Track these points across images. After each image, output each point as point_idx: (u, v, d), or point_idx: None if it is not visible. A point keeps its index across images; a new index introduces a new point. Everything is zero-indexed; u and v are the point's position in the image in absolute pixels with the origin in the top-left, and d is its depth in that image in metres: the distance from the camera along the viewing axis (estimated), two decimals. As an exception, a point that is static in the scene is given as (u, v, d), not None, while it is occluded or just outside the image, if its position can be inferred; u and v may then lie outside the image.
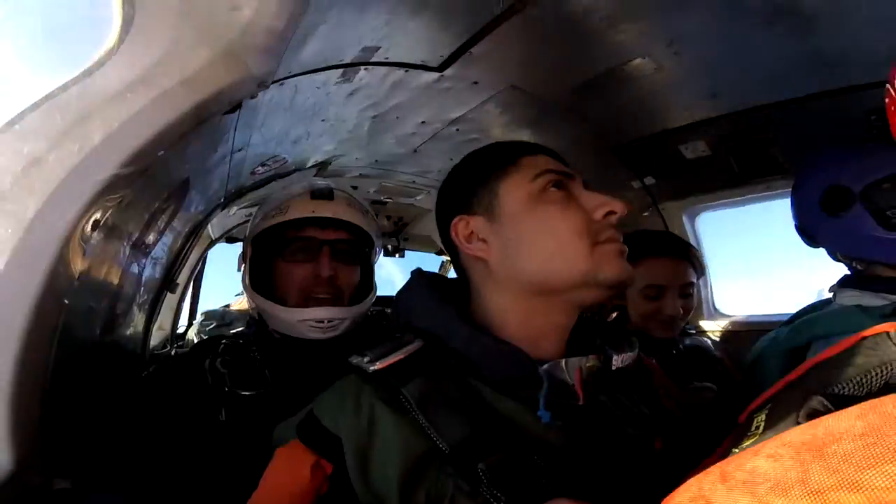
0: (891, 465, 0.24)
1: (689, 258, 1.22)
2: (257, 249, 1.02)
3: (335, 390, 0.58)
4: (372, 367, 0.54)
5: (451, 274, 2.56)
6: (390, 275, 2.43)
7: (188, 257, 1.50)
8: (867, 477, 0.24)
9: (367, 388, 0.54)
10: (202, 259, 1.76)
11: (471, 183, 0.63)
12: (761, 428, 0.45)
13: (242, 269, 1.06)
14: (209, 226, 1.63)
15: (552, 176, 0.60)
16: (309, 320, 0.91)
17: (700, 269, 1.27)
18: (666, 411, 0.95)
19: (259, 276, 1.01)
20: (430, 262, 2.66)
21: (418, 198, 1.96)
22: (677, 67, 1.08)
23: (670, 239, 1.38)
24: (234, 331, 1.86)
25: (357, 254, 1.02)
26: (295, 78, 0.86)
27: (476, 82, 1.13)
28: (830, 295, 0.97)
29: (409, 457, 0.49)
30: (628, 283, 0.58)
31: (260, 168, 1.27)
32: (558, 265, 0.57)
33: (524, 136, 1.44)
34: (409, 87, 1.09)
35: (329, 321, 0.92)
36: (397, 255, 2.46)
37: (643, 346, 0.70)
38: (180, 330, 1.94)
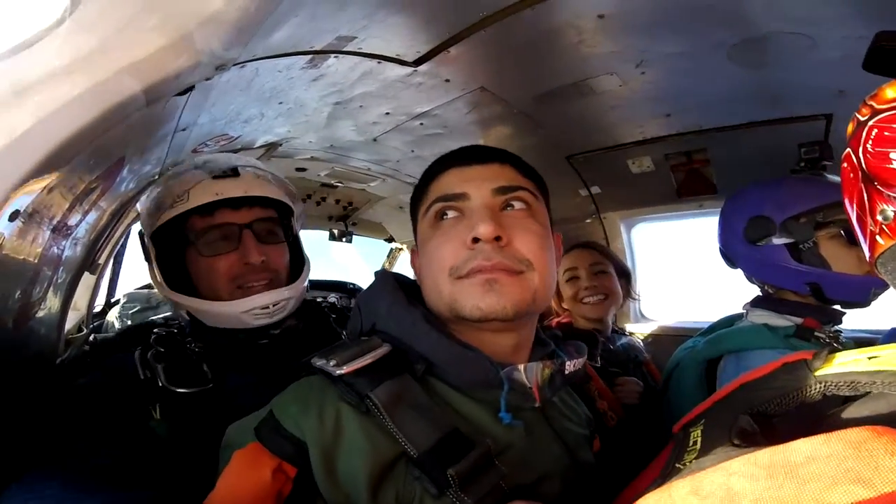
0: (850, 485, 0.28)
1: (595, 248, 1.49)
2: (162, 246, 0.90)
3: (297, 393, 0.56)
4: (338, 371, 0.53)
5: (401, 260, 2.53)
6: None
7: (113, 237, 1.33)
8: (830, 495, 0.28)
9: (331, 391, 0.54)
10: (124, 235, 1.56)
11: (413, 208, 0.68)
12: (699, 443, 0.47)
13: (149, 270, 0.93)
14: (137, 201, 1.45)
15: (438, 206, 0.61)
16: (253, 309, 0.83)
17: (612, 260, 1.47)
18: (599, 413, 1.05)
19: (173, 272, 0.89)
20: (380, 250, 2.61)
21: (372, 184, 1.90)
22: (640, 86, 1.14)
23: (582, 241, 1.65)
24: (162, 315, 1.68)
25: (279, 228, 0.92)
26: (258, 61, 0.78)
27: (448, 80, 1.10)
28: (744, 312, 1.09)
29: (378, 460, 0.49)
30: (492, 317, 0.55)
31: (203, 147, 1.15)
32: (434, 300, 0.61)
33: (486, 135, 1.44)
34: (378, 78, 1.04)
35: (275, 304, 0.84)
36: (344, 240, 2.38)
37: (585, 342, 0.75)
38: (97, 310, 1.72)
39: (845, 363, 0.46)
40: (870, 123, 0.44)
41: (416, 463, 0.49)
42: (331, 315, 1.01)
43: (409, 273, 0.73)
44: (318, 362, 0.55)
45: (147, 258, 0.92)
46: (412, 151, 1.56)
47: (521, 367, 0.58)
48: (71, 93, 0.48)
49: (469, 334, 0.59)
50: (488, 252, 0.56)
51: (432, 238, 0.60)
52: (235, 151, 1.30)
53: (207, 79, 0.75)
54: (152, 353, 0.80)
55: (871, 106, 0.45)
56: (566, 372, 0.63)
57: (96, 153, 0.72)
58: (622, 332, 1.57)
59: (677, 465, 0.46)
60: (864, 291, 0.94)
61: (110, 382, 0.77)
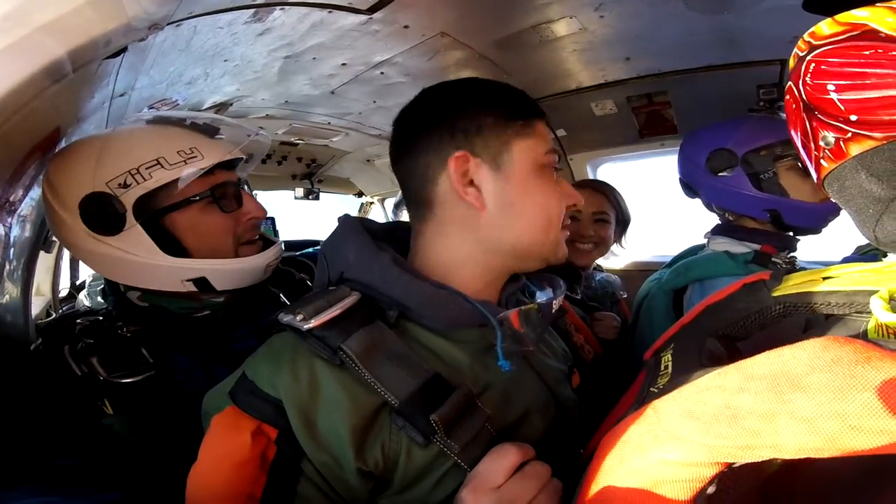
0: (863, 393, 0.26)
1: (604, 193, 1.38)
2: (148, 211, 0.77)
3: (268, 352, 0.53)
4: (307, 325, 0.50)
5: (373, 214, 2.52)
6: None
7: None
8: (844, 405, 0.26)
9: (302, 346, 0.51)
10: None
11: (480, 122, 0.57)
12: (669, 367, 0.47)
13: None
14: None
15: (553, 158, 0.61)
16: (266, 265, 0.82)
17: (617, 208, 1.41)
18: (576, 347, 1.09)
19: (157, 234, 0.78)
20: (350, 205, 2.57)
21: (334, 139, 1.83)
22: (600, 30, 1.11)
23: (592, 180, 1.61)
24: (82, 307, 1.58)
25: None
26: (195, 19, 0.71)
27: (407, 26, 1.04)
28: (705, 241, 1.15)
29: (358, 413, 0.48)
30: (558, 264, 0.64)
31: (146, 112, 1.07)
32: (540, 238, 0.59)
33: (450, 83, 1.39)
34: (330, 28, 0.97)
35: (276, 259, 0.84)
36: (311, 198, 2.32)
37: (565, 275, 0.78)
38: (63, 293, 1.66)
39: (801, 284, 0.48)
40: (808, 58, 0.46)
41: (399, 412, 0.48)
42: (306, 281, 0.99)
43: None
44: (285, 318, 0.52)
45: (116, 228, 0.73)
46: (374, 102, 1.50)
47: (510, 312, 0.56)
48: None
49: (487, 272, 0.60)
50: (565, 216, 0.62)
51: (546, 183, 0.59)
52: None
53: (141, 40, 0.69)
54: (81, 346, 0.73)
55: (809, 42, 0.47)
56: (551, 312, 0.62)
57: (27, 123, 0.67)
58: (598, 268, 1.58)
59: (651, 390, 0.46)
60: (818, 218, 1.02)
61: (49, 385, 0.71)
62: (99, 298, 1.56)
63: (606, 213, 1.36)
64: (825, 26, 0.46)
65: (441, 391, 0.50)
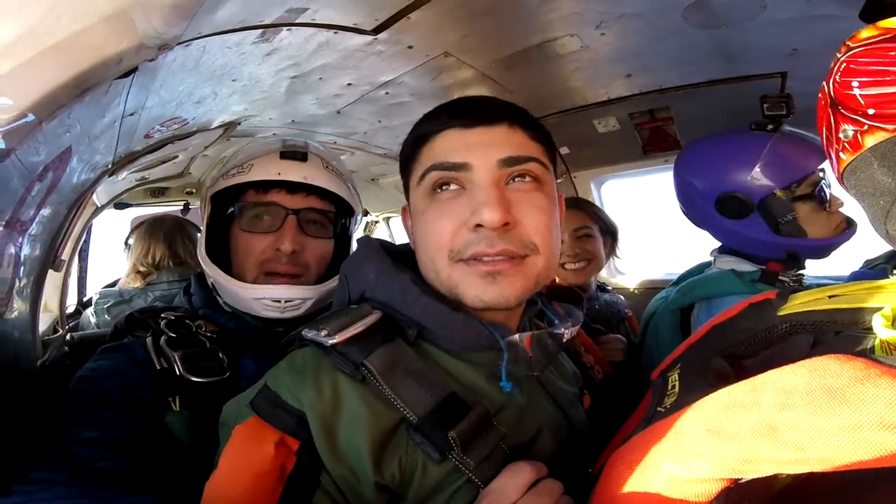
0: None
1: (581, 208, 1.43)
2: (215, 211, 0.87)
3: (291, 365, 0.54)
4: (330, 341, 0.51)
5: (377, 233, 2.53)
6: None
7: (72, 231, 1.27)
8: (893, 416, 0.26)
9: (325, 361, 0.52)
10: (86, 229, 1.49)
11: (403, 166, 0.63)
12: (677, 387, 0.48)
13: (200, 235, 0.90)
14: (94, 193, 1.38)
15: (435, 176, 0.55)
16: (264, 299, 0.79)
17: (599, 221, 1.43)
18: (585, 368, 1.07)
19: (215, 242, 0.86)
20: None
21: (341, 158, 1.85)
22: (601, 48, 1.13)
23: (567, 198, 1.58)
24: (141, 304, 1.62)
25: (331, 225, 0.88)
26: (204, 39, 0.73)
27: (411, 46, 1.06)
28: (712, 259, 1.14)
29: (378, 428, 0.48)
30: (495, 307, 0.54)
31: (155, 130, 1.09)
32: (431, 276, 0.58)
33: (453, 102, 1.41)
34: (336, 48, 0.99)
35: (287, 301, 0.80)
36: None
37: (565, 299, 0.75)
38: (70, 310, 1.67)
39: (807, 302, 0.49)
40: (842, 59, 0.49)
41: (417, 428, 0.49)
42: None
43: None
44: (309, 333, 0.54)
45: (200, 221, 0.90)
46: (379, 122, 1.52)
47: (521, 336, 0.57)
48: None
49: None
50: (492, 238, 0.52)
51: (428, 211, 0.56)
52: (191, 134, 1.24)
53: (151, 60, 0.71)
54: (165, 339, 0.74)
55: (847, 45, 0.50)
56: (563, 340, 0.62)
57: (38, 144, 0.68)
58: (605, 289, 1.57)
59: (659, 409, 0.47)
60: (831, 250, 0.99)
61: (124, 369, 0.70)
62: (105, 315, 1.57)
63: (589, 227, 1.38)
64: (864, 32, 0.48)
65: (458, 409, 0.50)
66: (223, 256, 0.84)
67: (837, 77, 0.49)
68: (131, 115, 0.91)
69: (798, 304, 0.50)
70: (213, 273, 0.82)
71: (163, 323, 0.77)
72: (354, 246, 0.96)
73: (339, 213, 0.90)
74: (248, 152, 0.85)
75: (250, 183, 0.81)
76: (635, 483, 0.36)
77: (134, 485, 0.59)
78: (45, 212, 0.98)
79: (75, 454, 0.59)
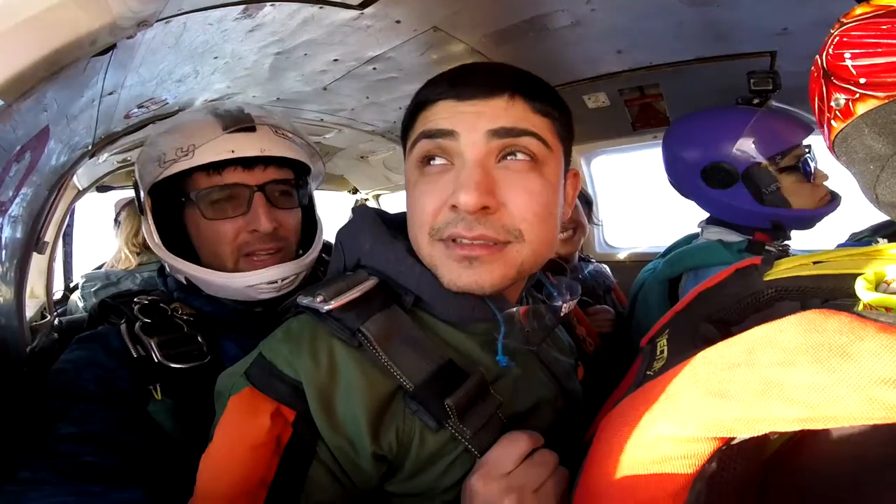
0: None
1: None
2: (159, 202, 0.79)
3: (287, 333, 0.53)
4: (326, 307, 0.50)
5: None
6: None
7: (53, 212, 1.24)
8: None
9: (321, 328, 0.51)
10: (69, 212, 1.45)
11: (402, 134, 0.60)
12: (665, 351, 0.47)
13: (145, 227, 0.81)
14: (75, 176, 1.34)
15: (423, 145, 0.53)
16: (259, 284, 0.75)
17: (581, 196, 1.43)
18: (579, 339, 1.10)
19: (171, 233, 0.79)
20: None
21: (327, 136, 1.82)
22: (591, 23, 1.11)
23: None
24: (129, 286, 1.58)
25: (294, 191, 0.83)
26: (185, 15, 0.70)
27: (399, 21, 1.03)
28: (699, 230, 1.16)
29: (375, 396, 0.48)
30: (469, 292, 0.52)
31: (136, 111, 1.05)
32: (417, 251, 0.56)
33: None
34: (321, 24, 0.96)
35: (283, 279, 0.77)
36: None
37: (550, 270, 0.76)
38: (57, 295, 1.64)
39: (793, 268, 0.49)
40: (835, 33, 0.51)
41: (413, 396, 0.48)
42: None
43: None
44: (304, 300, 0.52)
45: (142, 214, 0.81)
46: (367, 98, 1.49)
47: (518, 309, 0.56)
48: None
49: None
50: (470, 221, 0.49)
51: (417, 184, 0.54)
52: (172, 114, 1.21)
53: (129, 37, 0.69)
54: (140, 325, 0.71)
55: (841, 21, 0.51)
56: (561, 314, 0.62)
57: (13, 123, 0.66)
58: (588, 260, 1.60)
59: (648, 373, 0.46)
60: (814, 221, 1.02)
61: (100, 359, 0.67)
62: (93, 299, 1.55)
63: None
64: (859, 8, 0.50)
65: (455, 377, 0.50)
66: (182, 247, 0.79)
67: (830, 50, 0.51)
68: (110, 94, 0.88)
69: (783, 269, 0.50)
70: (186, 268, 0.78)
71: (136, 308, 0.74)
72: (317, 204, 0.94)
73: (298, 175, 0.85)
74: (179, 132, 0.76)
75: (201, 166, 0.74)
76: (627, 445, 0.35)
77: (121, 479, 0.58)
78: (25, 193, 0.96)
79: (59, 450, 0.57)
